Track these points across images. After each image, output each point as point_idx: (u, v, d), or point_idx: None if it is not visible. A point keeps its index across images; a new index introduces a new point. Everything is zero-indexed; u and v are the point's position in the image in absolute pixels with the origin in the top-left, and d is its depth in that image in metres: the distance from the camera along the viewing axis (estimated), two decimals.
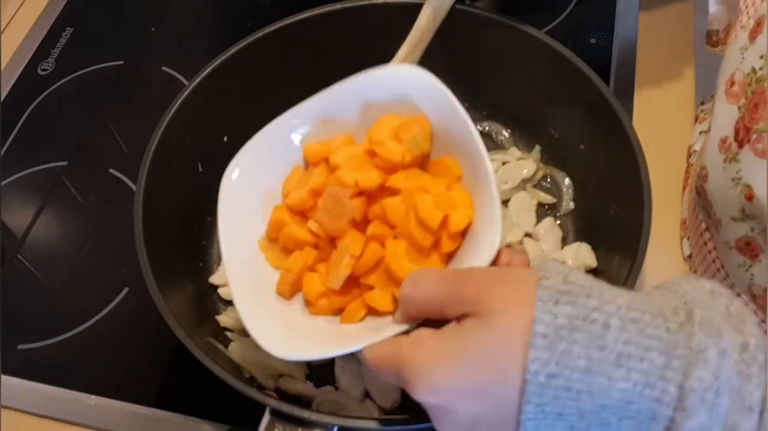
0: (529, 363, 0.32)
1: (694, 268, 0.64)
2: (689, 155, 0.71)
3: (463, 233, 0.48)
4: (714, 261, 0.59)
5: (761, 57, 0.49)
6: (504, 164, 0.71)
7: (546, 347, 0.32)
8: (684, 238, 0.67)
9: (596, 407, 0.32)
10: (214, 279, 0.65)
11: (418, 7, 0.68)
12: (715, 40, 0.64)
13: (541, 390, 0.32)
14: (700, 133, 0.70)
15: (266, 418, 0.48)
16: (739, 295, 0.57)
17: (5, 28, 0.90)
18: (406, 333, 0.42)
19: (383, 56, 0.73)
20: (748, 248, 0.53)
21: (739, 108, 0.51)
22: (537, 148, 0.71)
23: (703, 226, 0.60)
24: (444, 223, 0.48)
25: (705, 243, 0.60)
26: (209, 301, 0.64)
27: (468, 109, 0.74)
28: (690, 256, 0.65)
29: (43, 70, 0.85)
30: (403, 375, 0.38)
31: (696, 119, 0.74)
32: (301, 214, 0.54)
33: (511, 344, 0.33)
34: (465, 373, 0.35)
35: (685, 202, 0.68)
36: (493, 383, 0.34)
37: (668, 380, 0.31)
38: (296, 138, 0.56)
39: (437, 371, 0.35)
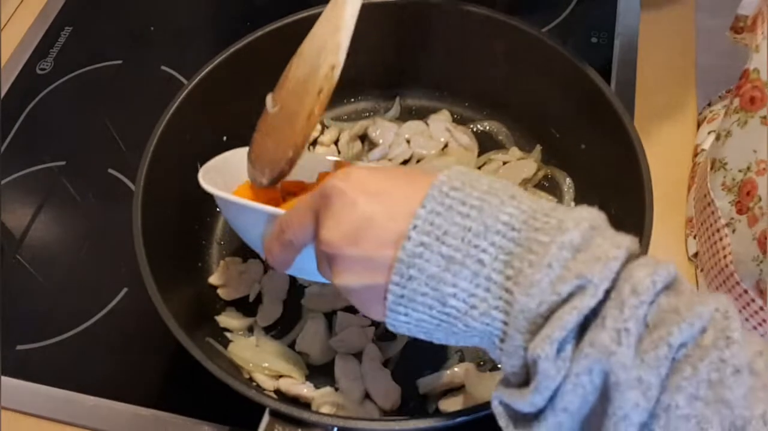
0: (438, 178, 0.38)
1: (700, 266, 0.64)
2: (695, 154, 0.71)
3: None
4: (724, 257, 0.59)
5: None
6: (504, 163, 0.71)
7: (455, 175, 0.38)
8: (690, 236, 0.66)
9: (480, 229, 0.35)
10: (213, 279, 0.65)
11: (417, 7, 0.69)
12: (741, 26, 0.64)
13: (441, 197, 0.37)
14: (709, 133, 0.69)
15: (266, 419, 0.48)
16: (746, 291, 0.57)
17: (4, 27, 0.89)
18: None
19: (382, 55, 0.73)
20: (766, 242, 0.53)
21: None
22: (538, 147, 0.71)
23: (722, 221, 0.59)
24: None
25: (720, 239, 0.59)
26: (209, 301, 0.64)
27: (468, 108, 0.75)
28: (696, 254, 0.65)
29: (42, 69, 0.85)
30: (324, 183, 0.40)
31: (704, 119, 0.74)
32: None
33: (425, 176, 0.39)
34: (381, 175, 0.40)
35: (692, 200, 0.67)
36: (402, 188, 0.38)
37: (552, 216, 0.36)
38: None
39: (358, 169, 0.40)
